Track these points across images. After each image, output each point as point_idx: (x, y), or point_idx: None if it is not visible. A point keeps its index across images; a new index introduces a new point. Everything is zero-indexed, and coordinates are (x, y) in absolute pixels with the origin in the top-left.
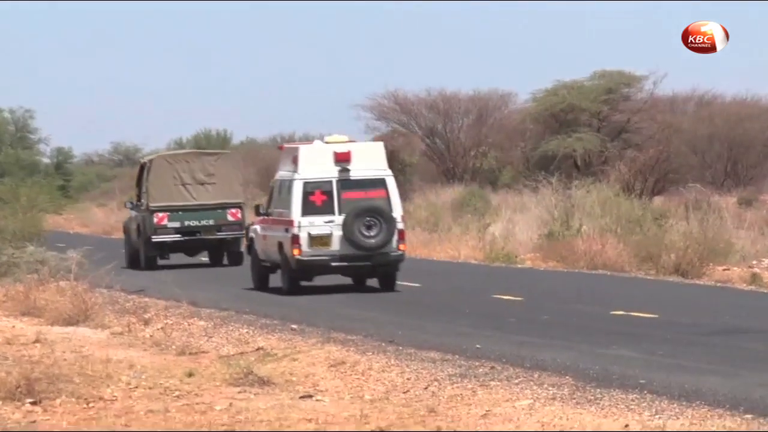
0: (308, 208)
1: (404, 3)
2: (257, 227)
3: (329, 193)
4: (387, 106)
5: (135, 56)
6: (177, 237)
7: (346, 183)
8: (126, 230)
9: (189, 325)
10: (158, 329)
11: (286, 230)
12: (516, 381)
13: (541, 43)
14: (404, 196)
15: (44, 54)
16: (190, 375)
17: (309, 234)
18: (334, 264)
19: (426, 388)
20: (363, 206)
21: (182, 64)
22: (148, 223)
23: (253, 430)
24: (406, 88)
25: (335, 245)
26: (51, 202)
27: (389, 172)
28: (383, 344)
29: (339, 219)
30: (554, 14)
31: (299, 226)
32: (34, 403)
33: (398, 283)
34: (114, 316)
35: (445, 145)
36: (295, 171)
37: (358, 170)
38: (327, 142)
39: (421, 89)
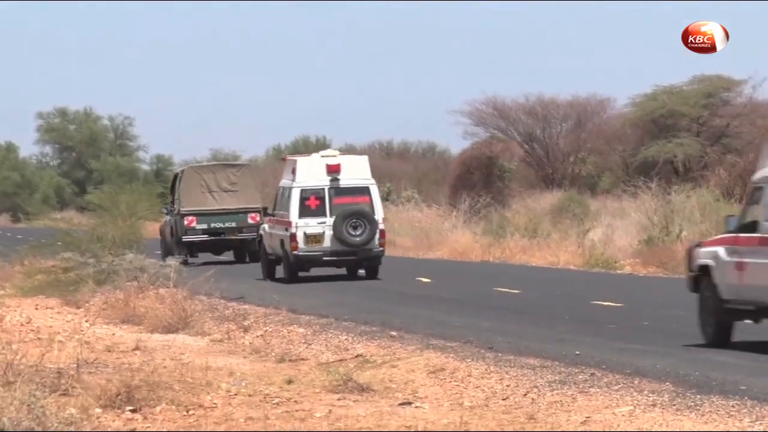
0: (304, 211)
1: (503, 5)
2: (265, 226)
3: (322, 199)
4: (485, 112)
5: (234, 62)
6: (204, 237)
7: (336, 190)
8: (161, 232)
9: (288, 332)
10: (258, 336)
11: (286, 229)
12: (616, 387)
13: (638, 47)
14: (502, 202)
15: (144, 61)
16: (289, 382)
17: (305, 233)
18: (325, 258)
19: (525, 394)
20: (350, 210)
21: (281, 70)
22: (180, 226)
23: None
24: (505, 93)
25: (327, 242)
26: (150, 210)
27: (373, 181)
28: (482, 351)
29: (330, 220)
30: (651, 17)
31: (296, 226)
32: (134, 411)
33: (497, 289)
34: (213, 323)
35: (544, 150)
36: (293, 180)
37: (346, 179)
38: (322, 156)
39: (520, 95)
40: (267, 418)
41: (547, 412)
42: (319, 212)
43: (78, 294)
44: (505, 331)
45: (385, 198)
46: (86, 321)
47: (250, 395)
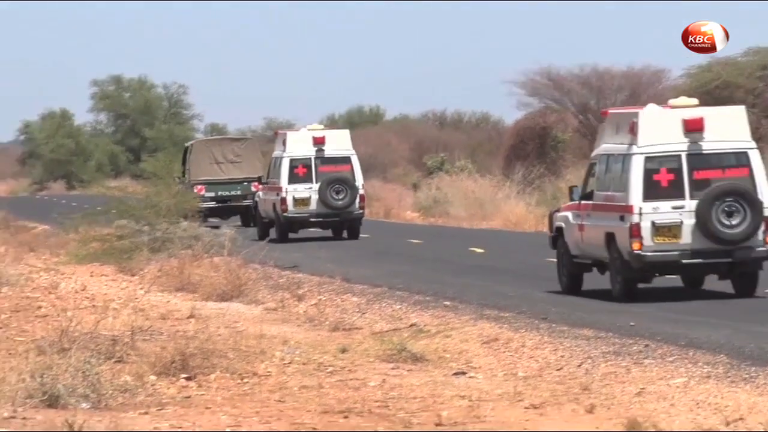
0: (293, 178)
1: None
2: (260, 193)
3: (309, 167)
4: (539, 83)
5: (290, 32)
6: (212, 204)
7: (321, 160)
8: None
9: (342, 301)
10: (312, 305)
11: (277, 194)
12: (670, 359)
13: (692, 18)
14: (556, 173)
15: (198, 29)
16: (343, 351)
17: (293, 197)
18: (311, 219)
19: (579, 365)
20: (333, 177)
21: (336, 40)
22: (190, 194)
23: (406, 406)
24: (559, 64)
25: (313, 206)
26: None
27: (353, 152)
28: (536, 321)
29: (316, 186)
30: None
31: (286, 191)
32: (188, 378)
33: (550, 260)
34: (268, 291)
35: (598, 121)
36: (284, 151)
37: (330, 150)
38: (309, 129)
39: (574, 65)
40: (321, 387)
41: (601, 383)
42: (307, 179)
43: (132, 261)
44: (558, 302)
45: (439, 168)
46: (141, 288)
47: (304, 364)
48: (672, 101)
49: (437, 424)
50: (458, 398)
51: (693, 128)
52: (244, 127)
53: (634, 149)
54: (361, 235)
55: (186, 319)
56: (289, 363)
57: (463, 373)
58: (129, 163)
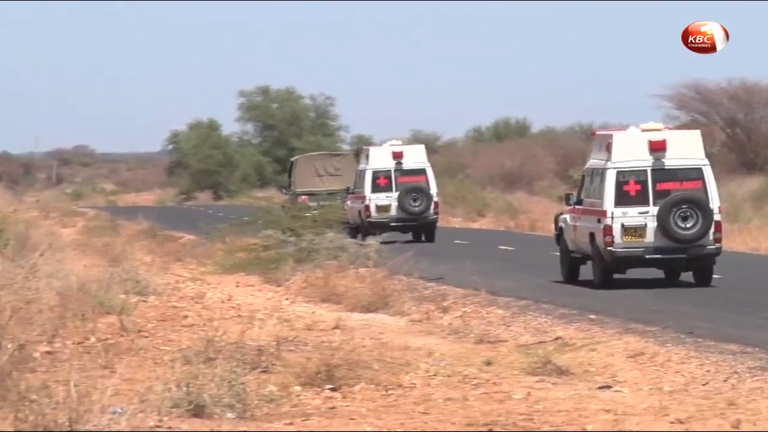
0: (376, 188)
1: None
2: (348, 202)
3: (389, 178)
4: (687, 96)
5: (436, 44)
6: (315, 212)
7: (400, 172)
8: (283, 207)
9: (487, 313)
10: (457, 317)
11: (362, 202)
12: None
13: None
14: None
15: (345, 41)
16: (488, 363)
17: (376, 204)
18: (392, 224)
19: (726, 380)
20: (410, 186)
21: (483, 51)
22: (296, 203)
23: (551, 419)
24: (707, 77)
25: (393, 211)
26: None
27: (428, 164)
28: (682, 336)
29: (395, 195)
30: None
31: (370, 200)
32: (333, 389)
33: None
34: (412, 303)
35: (746, 135)
36: (367, 164)
37: (408, 163)
38: (390, 145)
39: (722, 79)
40: (466, 399)
41: (747, 398)
42: (387, 188)
43: (278, 272)
44: (704, 317)
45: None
46: (286, 299)
47: (448, 376)
48: (642, 125)
49: None
50: (603, 412)
51: (657, 148)
52: (389, 138)
53: (609, 164)
54: (500, 247)
55: (331, 329)
56: (434, 375)
57: (609, 387)
58: (275, 174)
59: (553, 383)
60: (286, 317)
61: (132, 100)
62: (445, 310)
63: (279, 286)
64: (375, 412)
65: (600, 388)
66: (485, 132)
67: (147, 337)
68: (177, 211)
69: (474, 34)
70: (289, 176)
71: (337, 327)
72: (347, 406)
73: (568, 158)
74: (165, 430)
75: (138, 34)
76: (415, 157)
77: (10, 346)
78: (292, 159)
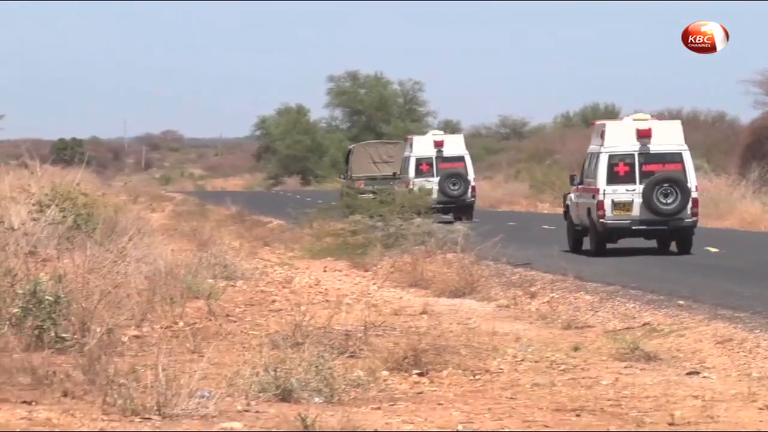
0: (419, 174)
1: None
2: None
3: (431, 165)
4: None
5: (523, 31)
6: (371, 196)
7: (441, 159)
8: (341, 191)
9: (575, 299)
10: (544, 303)
11: (407, 187)
12: None
13: None
14: None
15: (433, 27)
16: (575, 349)
17: (420, 189)
18: (434, 206)
19: None
20: (449, 172)
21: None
22: (353, 187)
23: (639, 405)
24: None
25: (435, 195)
26: None
27: (467, 152)
28: None
29: (436, 180)
30: None
31: (413, 184)
32: (420, 374)
33: None
34: (500, 288)
35: None
36: (411, 152)
37: (448, 151)
38: (433, 134)
39: None
40: (553, 385)
41: None
42: (428, 174)
43: (366, 257)
44: None
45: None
46: (374, 284)
47: (536, 361)
48: (633, 116)
49: (670, 424)
50: (691, 398)
51: (643, 135)
52: (478, 124)
53: (602, 149)
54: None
55: (418, 315)
56: (521, 360)
57: (697, 373)
58: None
59: (641, 369)
60: (374, 302)
61: (221, 86)
62: (532, 296)
63: (366, 271)
64: (462, 397)
65: (688, 374)
66: (573, 117)
67: (235, 321)
68: (265, 196)
69: (563, 20)
70: (347, 163)
71: (424, 312)
72: (434, 391)
73: None
74: (253, 413)
75: (227, 22)
76: (455, 145)
77: (98, 330)
78: (348, 147)
